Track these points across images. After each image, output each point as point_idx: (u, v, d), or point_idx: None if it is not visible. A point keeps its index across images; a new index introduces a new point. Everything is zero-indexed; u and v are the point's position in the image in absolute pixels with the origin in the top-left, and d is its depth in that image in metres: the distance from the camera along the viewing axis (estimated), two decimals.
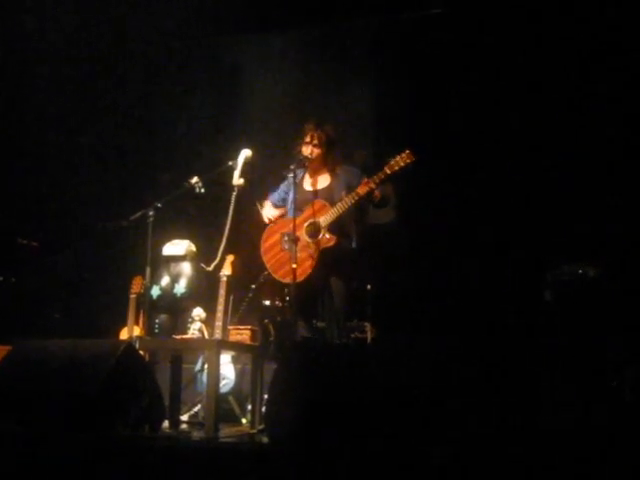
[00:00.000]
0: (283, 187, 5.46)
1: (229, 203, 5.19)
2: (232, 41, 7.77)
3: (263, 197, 5.56)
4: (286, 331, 5.79)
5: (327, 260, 5.11)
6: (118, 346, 4.33)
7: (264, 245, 5.35)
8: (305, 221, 5.17)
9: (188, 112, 7.73)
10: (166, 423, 4.82)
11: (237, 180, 5.21)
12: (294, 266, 4.86)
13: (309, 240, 5.13)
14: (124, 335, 5.94)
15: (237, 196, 5.20)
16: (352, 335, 6.12)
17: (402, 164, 4.97)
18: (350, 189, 5.16)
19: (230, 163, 5.25)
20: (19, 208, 7.33)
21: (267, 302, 6.21)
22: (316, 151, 5.28)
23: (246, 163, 5.23)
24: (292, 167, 5.09)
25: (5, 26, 6.90)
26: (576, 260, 5.39)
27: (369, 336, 6.13)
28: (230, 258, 5.33)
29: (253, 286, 6.34)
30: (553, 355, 5.11)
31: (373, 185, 5.03)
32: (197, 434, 4.96)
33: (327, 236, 5.09)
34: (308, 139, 5.29)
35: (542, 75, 6.43)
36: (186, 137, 7.75)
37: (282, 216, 5.39)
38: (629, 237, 5.93)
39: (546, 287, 5.35)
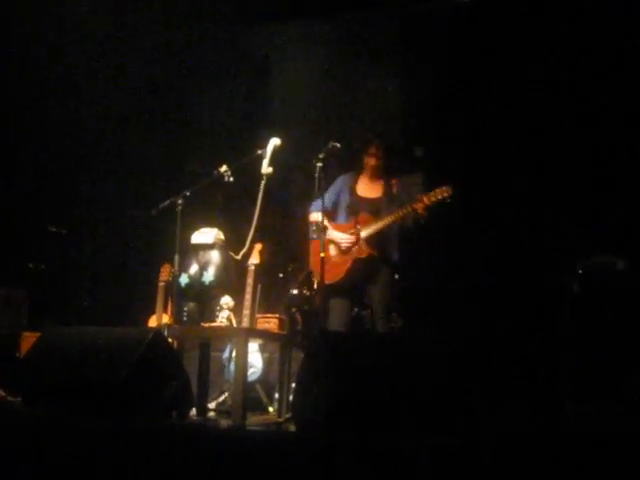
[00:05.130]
0: (333, 190, 5.45)
1: (258, 192, 5.19)
2: (262, 30, 7.75)
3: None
4: (314, 320, 5.79)
5: (360, 270, 5.24)
6: (147, 334, 4.36)
7: (312, 252, 5.39)
8: (349, 229, 5.29)
9: (218, 101, 7.74)
10: (194, 411, 4.84)
11: (266, 169, 5.20)
12: (322, 255, 4.87)
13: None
14: (153, 323, 5.96)
15: (266, 185, 5.20)
16: None
17: (439, 197, 5.08)
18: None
19: (259, 152, 5.24)
20: (49, 196, 7.38)
21: (295, 291, 6.21)
22: (379, 162, 5.39)
23: (275, 152, 5.22)
24: (321, 157, 5.03)
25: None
26: (605, 252, 5.34)
27: (397, 326, 6.11)
28: (258, 247, 5.32)
29: (281, 275, 6.35)
30: (578, 347, 5.07)
31: (419, 210, 5.11)
32: (224, 422, 4.97)
33: (362, 247, 5.21)
34: (373, 150, 5.38)
35: (569, 69, 6.33)
36: (216, 126, 7.77)
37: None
38: None
39: (575, 278, 5.31)
